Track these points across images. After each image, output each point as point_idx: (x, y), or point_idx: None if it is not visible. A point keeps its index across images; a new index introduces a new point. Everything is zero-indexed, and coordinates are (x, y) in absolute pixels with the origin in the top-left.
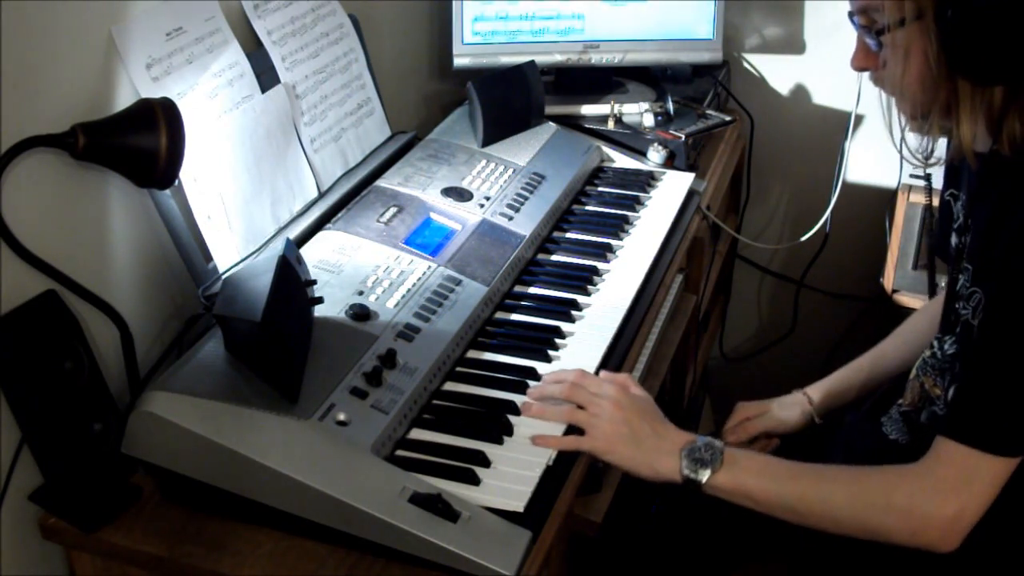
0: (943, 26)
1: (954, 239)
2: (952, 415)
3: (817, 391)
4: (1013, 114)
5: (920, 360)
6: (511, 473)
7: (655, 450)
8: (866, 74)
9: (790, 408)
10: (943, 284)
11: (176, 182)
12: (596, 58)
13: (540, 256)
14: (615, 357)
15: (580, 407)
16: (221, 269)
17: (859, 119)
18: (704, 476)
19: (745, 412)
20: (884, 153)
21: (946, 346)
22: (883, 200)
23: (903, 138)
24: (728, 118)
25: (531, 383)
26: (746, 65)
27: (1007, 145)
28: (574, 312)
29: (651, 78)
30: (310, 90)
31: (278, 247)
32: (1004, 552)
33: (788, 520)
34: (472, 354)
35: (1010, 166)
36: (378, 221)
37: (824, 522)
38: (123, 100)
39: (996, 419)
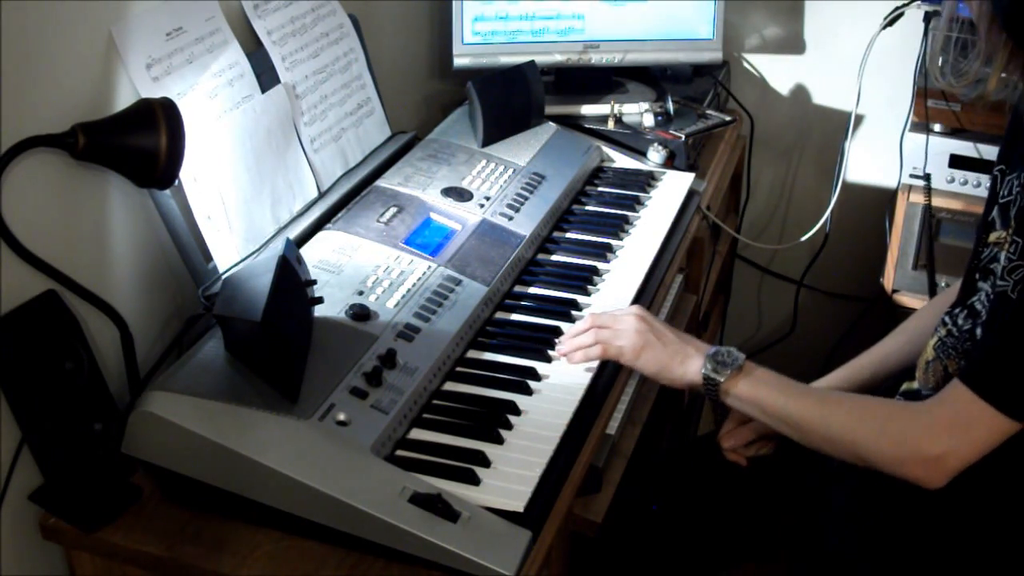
0: None
1: (993, 212)
2: (972, 364)
3: None
4: None
5: (936, 340)
6: (511, 473)
7: (680, 353)
8: (866, 74)
9: None
10: (944, 284)
11: (176, 182)
12: (596, 58)
13: (540, 256)
14: None
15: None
16: (221, 269)
17: (859, 119)
18: (723, 376)
19: (741, 415)
20: (884, 153)
21: (960, 320)
22: (883, 200)
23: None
24: (728, 118)
25: (532, 383)
26: (746, 65)
27: None
28: (574, 312)
29: (651, 78)
30: (310, 90)
31: (278, 247)
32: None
33: (789, 435)
34: (472, 354)
35: None
36: (378, 221)
37: (821, 441)
38: (123, 100)
39: (1013, 380)
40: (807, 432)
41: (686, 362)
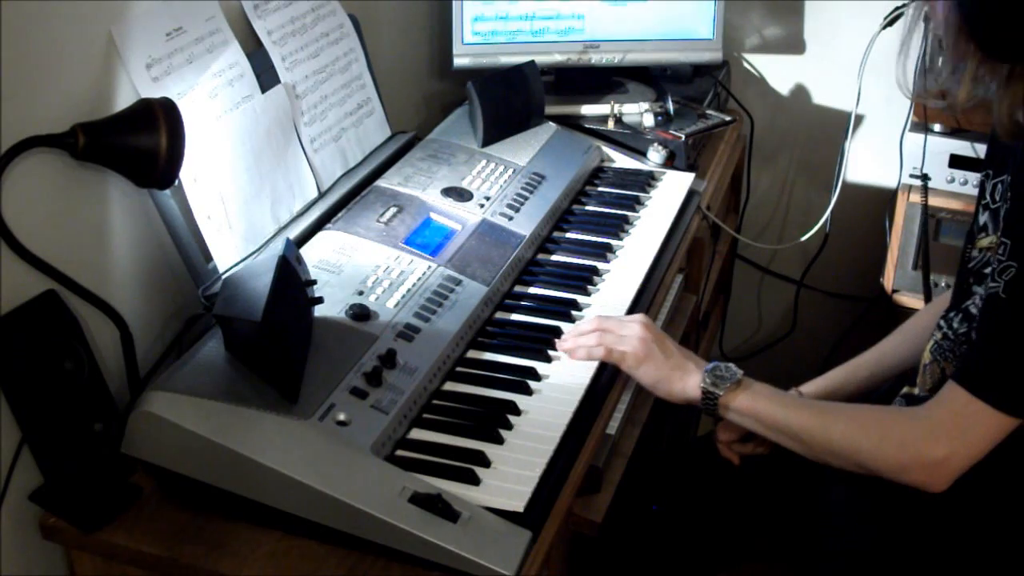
0: None
1: (983, 217)
2: (965, 365)
3: (811, 389)
4: (1005, 97)
5: (932, 343)
6: (511, 473)
7: (680, 367)
8: (866, 74)
9: None
10: (943, 284)
11: (176, 182)
12: (596, 58)
13: (540, 256)
14: None
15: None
16: (221, 269)
17: (859, 119)
18: (722, 390)
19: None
20: (884, 153)
21: (955, 324)
22: (883, 200)
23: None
24: (728, 118)
25: (532, 383)
26: (746, 65)
27: (997, 128)
28: (574, 312)
29: (651, 78)
30: (310, 90)
31: (278, 247)
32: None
33: (789, 447)
34: (472, 354)
35: None
36: (378, 221)
37: (823, 452)
38: (123, 100)
39: (1006, 376)
40: (808, 443)
41: (685, 377)
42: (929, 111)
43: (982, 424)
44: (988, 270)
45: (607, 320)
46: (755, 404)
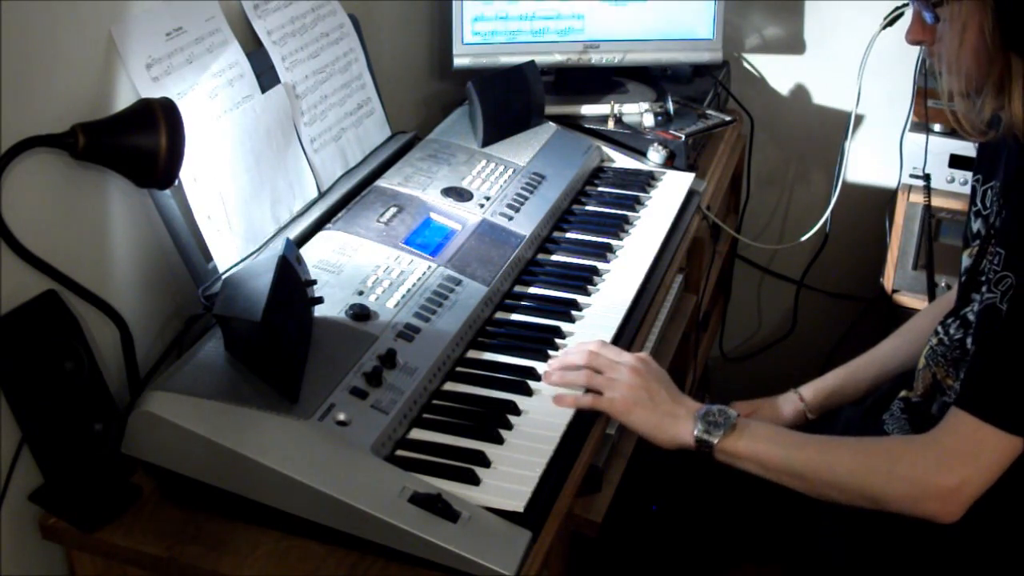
0: (1001, 0)
1: (976, 223)
2: (968, 388)
3: (810, 389)
4: None
5: (928, 348)
6: (511, 473)
7: (671, 414)
8: (866, 74)
9: (781, 406)
10: (943, 284)
11: (176, 182)
12: (596, 58)
13: (540, 256)
14: None
15: (599, 373)
16: (221, 269)
17: (859, 119)
18: (716, 438)
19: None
20: (884, 153)
21: (952, 330)
22: (883, 200)
23: (956, 114)
24: (728, 118)
25: (532, 383)
26: (746, 65)
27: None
28: (574, 312)
29: (651, 78)
30: (310, 90)
31: (278, 247)
32: (1004, 552)
33: (795, 487)
34: (472, 354)
35: None
36: (378, 221)
37: (829, 489)
38: (123, 100)
39: (1012, 396)
40: (812, 481)
41: (676, 424)
42: (930, 111)
43: (993, 448)
44: (984, 277)
45: (597, 357)
46: (755, 448)
